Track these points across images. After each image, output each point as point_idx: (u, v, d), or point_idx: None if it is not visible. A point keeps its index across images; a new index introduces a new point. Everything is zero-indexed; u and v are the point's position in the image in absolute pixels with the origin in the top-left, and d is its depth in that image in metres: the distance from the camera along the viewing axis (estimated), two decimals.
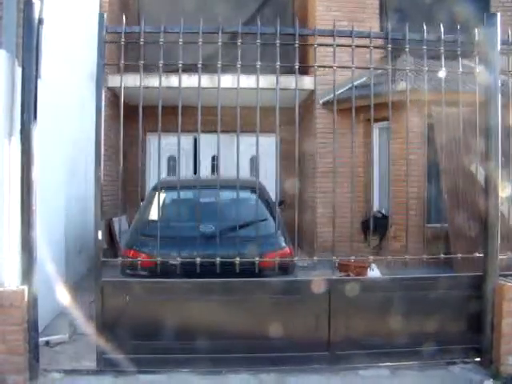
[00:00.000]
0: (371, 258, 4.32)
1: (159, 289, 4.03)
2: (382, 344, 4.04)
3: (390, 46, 4.18)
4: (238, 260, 3.97)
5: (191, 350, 3.95)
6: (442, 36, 4.11)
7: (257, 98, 3.96)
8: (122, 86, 3.95)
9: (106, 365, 3.92)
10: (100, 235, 3.95)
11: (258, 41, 3.96)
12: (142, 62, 3.93)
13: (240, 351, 3.97)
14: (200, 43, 3.92)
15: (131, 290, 3.98)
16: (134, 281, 4.18)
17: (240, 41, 3.97)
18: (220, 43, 3.96)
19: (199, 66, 3.97)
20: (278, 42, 3.98)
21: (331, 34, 4.08)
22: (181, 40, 3.91)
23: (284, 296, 4.10)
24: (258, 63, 3.99)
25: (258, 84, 3.98)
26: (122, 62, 3.95)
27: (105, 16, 3.92)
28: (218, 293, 4.04)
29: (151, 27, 3.94)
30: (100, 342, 3.91)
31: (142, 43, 3.91)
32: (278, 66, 4.02)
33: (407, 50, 4.14)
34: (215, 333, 3.95)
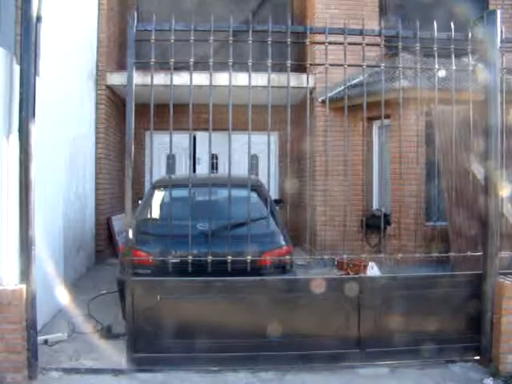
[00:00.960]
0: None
1: (190, 288, 3.98)
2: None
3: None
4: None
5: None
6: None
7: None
8: (152, 84, 3.94)
9: (137, 364, 3.90)
10: (131, 234, 3.89)
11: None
12: (173, 60, 3.93)
13: (267, 349, 3.98)
14: (230, 41, 3.96)
15: (162, 290, 3.95)
16: (165, 280, 4.07)
17: (270, 40, 3.96)
18: (250, 42, 3.96)
19: (230, 64, 4.00)
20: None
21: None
22: (211, 38, 3.93)
23: (311, 294, 4.03)
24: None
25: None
26: (153, 59, 3.95)
27: (135, 15, 3.95)
28: (247, 291, 4.00)
29: (182, 25, 3.93)
30: (131, 342, 3.89)
31: (172, 41, 3.91)
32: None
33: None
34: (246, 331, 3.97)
